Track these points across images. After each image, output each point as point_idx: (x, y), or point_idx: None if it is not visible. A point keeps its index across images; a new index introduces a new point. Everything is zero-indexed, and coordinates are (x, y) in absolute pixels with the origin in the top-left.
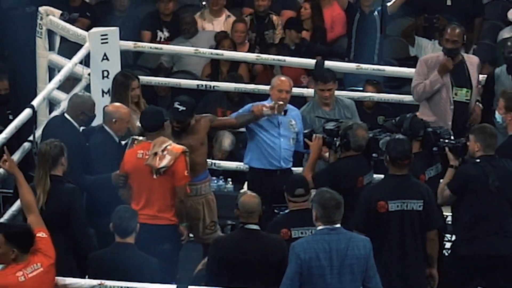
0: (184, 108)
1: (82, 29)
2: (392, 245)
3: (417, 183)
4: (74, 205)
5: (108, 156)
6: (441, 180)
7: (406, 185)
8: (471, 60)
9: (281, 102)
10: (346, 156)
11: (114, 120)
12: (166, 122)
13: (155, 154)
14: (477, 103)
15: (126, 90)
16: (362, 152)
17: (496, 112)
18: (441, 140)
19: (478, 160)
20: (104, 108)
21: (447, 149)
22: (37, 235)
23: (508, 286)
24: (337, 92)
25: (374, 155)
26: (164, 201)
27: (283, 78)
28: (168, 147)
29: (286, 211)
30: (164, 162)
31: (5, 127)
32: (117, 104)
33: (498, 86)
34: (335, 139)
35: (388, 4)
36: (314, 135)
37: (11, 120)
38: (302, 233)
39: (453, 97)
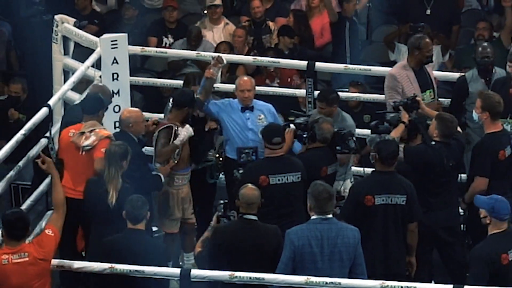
0: None
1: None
2: (376, 235)
3: (401, 179)
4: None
5: (133, 156)
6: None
7: (391, 181)
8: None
9: (216, 56)
10: (312, 147)
11: (130, 124)
12: (102, 111)
13: (82, 133)
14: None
15: (193, 85)
16: (328, 144)
17: (473, 111)
18: (395, 102)
19: (433, 143)
20: (120, 116)
21: (401, 107)
22: (45, 230)
23: (455, 255)
24: None
25: (338, 148)
26: (82, 178)
27: (245, 78)
28: (96, 130)
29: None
30: (88, 142)
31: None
32: (130, 109)
33: (472, 89)
34: (304, 132)
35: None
36: (287, 129)
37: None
38: (279, 179)
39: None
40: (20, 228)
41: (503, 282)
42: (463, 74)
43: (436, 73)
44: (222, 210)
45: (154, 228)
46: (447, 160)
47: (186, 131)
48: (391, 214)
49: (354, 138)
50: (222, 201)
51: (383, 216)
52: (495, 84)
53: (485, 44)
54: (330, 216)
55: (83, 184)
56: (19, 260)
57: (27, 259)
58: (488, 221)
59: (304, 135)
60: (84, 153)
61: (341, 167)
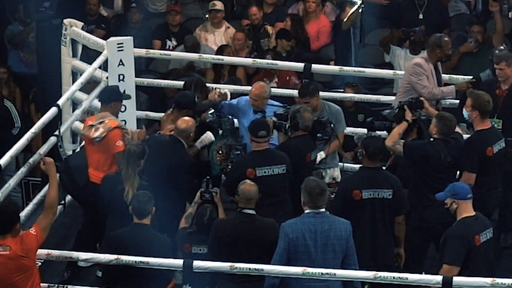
0: None
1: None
2: (364, 228)
3: (388, 174)
4: None
5: (190, 166)
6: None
7: (378, 176)
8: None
9: (223, 92)
10: (295, 136)
11: (192, 134)
12: (117, 103)
13: (91, 126)
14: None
15: (203, 88)
16: (309, 132)
17: (464, 109)
18: (400, 101)
19: (432, 139)
20: (178, 123)
21: (405, 106)
22: (29, 229)
23: None
24: (324, 94)
25: (318, 135)
26: (102, 165)
27: (258, 85)
28: (106, 121)
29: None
30: (97, 133)
31: None
32: (186, 118)
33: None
34: (284, 122)
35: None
36: (267, 119)
37: None
38: (265, 172)
39: None
40: (1, 222)
41: (476, 262)
42: (472, 77)
43: None
44: (205, 186)
45: None
46: (445, 156)
47: (206, 136)
48: (378, 208)
49: (332, 125)
50: (205, 179)
51: (371, 209)
52: (482, 86)
53: (503, 47)
54: (323, 210)
55: (104, 169)
56: (1, 253)
57: (8, 252)
58: (455, 206)
59: (286, 125)
60: (97, 144)
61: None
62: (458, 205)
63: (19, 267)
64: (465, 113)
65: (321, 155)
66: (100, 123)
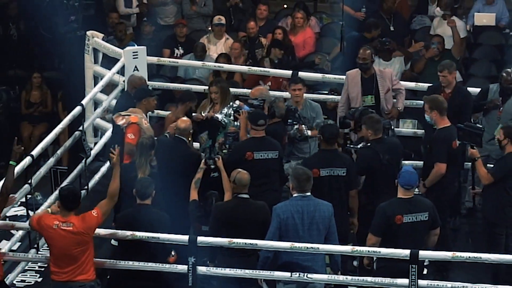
0: None
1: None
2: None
3: (342, 155)
4: None
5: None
6: None
7: (333, 157)
8: (384, 73)
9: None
10: (272, 122)
11: (191, 131)
12: (147, 99)
13: (120, 114)
14: (398, 107)
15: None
16: (282, 119)
17: (425, 115)
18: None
19: (369, 144)
20: (178, 124)
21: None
22: (91, 211)
23: None
24: (309, 95)
25: (289, 120)
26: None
27: (256, 88)
28: (131, 115)
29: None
30: (121, 122)
31: None
32: (184, 118)
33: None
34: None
35: None
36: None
37: None
38: (261, 155)
39: (362, 104)
40: (71, 201)
41: (395, 238)
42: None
43: (404, 83)
44: (208, 153)
45: None
46: (383, 156)
47: None
48: (334, 184)
49: (299, 112)
50: (208, 146)
51: (328, 185)
52: (429, 91)
53: (510, 70)
54: (309, 194)
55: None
56: (65, 228)
57: (71, 228)
58: (396, 185)
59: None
60: (123, 129)
61: None
62: (398, 187)
63: (79, 242)
64: (427, 117)
65: (308, 132)
66: (126, 115)
